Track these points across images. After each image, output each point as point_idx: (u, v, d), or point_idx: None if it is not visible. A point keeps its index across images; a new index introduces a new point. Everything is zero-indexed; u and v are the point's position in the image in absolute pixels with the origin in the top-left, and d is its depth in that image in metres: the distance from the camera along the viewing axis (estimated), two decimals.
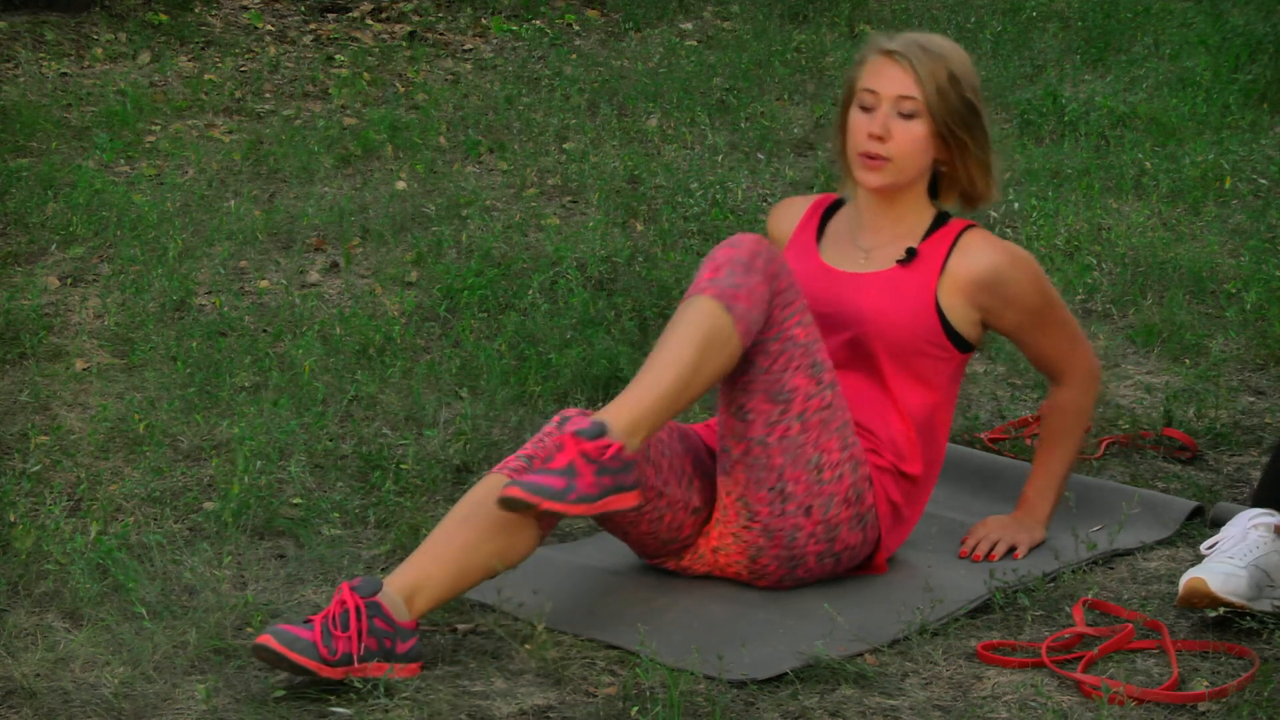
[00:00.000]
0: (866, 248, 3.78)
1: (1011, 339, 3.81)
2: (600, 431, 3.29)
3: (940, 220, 3.77)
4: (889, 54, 3.69)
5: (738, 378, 3.50)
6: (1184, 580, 3.50)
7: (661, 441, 3.57)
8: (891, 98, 3.68)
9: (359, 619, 3.25)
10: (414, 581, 3.33)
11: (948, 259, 3.72)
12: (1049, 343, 3.81)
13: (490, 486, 3.41)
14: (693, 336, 3.38)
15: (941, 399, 3.74)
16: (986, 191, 3.78)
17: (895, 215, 3.77)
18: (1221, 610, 3.54)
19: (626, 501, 3.31)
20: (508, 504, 3.23)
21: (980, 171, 3.75)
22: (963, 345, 3.74)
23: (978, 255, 3.72)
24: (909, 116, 3.68)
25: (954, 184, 3.78)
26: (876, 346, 3.69)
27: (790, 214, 3.93)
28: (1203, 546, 3.60)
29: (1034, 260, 3.77)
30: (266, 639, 3.20)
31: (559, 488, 3.23)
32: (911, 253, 3.73)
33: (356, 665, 3.24)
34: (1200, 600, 3.49)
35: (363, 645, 3.24)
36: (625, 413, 3.34)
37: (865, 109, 3.70)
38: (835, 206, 3.89)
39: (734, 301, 3.40)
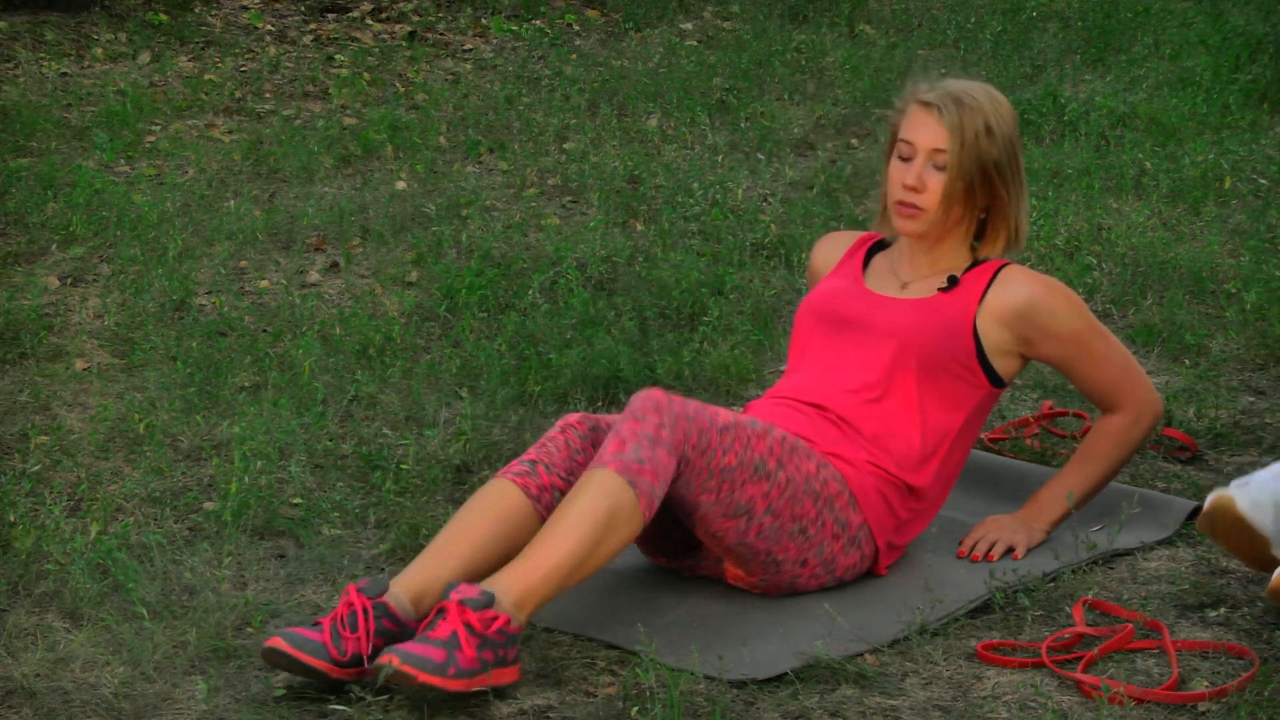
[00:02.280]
0: (905, 280, 3.85)
1: (1059, 369, 3.87)
2: (488, 603, 3.23)
3: (978, 261, 3.85)
4: (926, 105, 3.77)
5: (691, 515, 3.51)
6: (1212, 496, 3.51)
7: None
8: (927, 150, 3.75)
9: (367, 619, 3.25)
10: (421, 582, 3.33)
11: (987, 290, 3.79)
12: (1096, 373, 3.86)
13: (496, 490, 3.42)
14: (593, 511, 3.31)
15: (963, 426, 3.77)
16: (1019, 237, 3.85)
17: (935, 257, 3.85)
18: (1222, 610, 3.54)
19: (505, 677, 3.25)
20: (384, 673, 3.16)
21: (1013, 218, 3.83)
22: (993, 377, 3.79)
23: (1016, 286, 3.79)
24: (943, 169, 3.75)
25: (996, 230, 3.84)
26: (910, 358, 3.74)
27: (834, 247, 4.02)
28: (1233, 482, 3.60)
29: (1073, 294, 3.84)
30: (277, 642, 3.20)
31: (439, 660, 3.17)
32: (953, 280, 3.81)
33: (366, 666, 3.24)
34: (1224, 518, 3.49)
35: (371, 645, 3.24)
36: (516, 585, 3.27)
37: (903, 159, 3.78)
38: (879, 245, 3.98)
39: (638, 477, 3.35)
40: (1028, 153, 6.72)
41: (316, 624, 3.26)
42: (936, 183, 3.75)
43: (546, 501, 3.43)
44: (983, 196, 3.79)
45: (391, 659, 3.14)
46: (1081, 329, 3.82)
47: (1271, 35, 8.33)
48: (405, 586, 3.33)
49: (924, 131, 3.76)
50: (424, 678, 3.15)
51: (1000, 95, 3.80)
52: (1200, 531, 3.62)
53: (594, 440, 3.52)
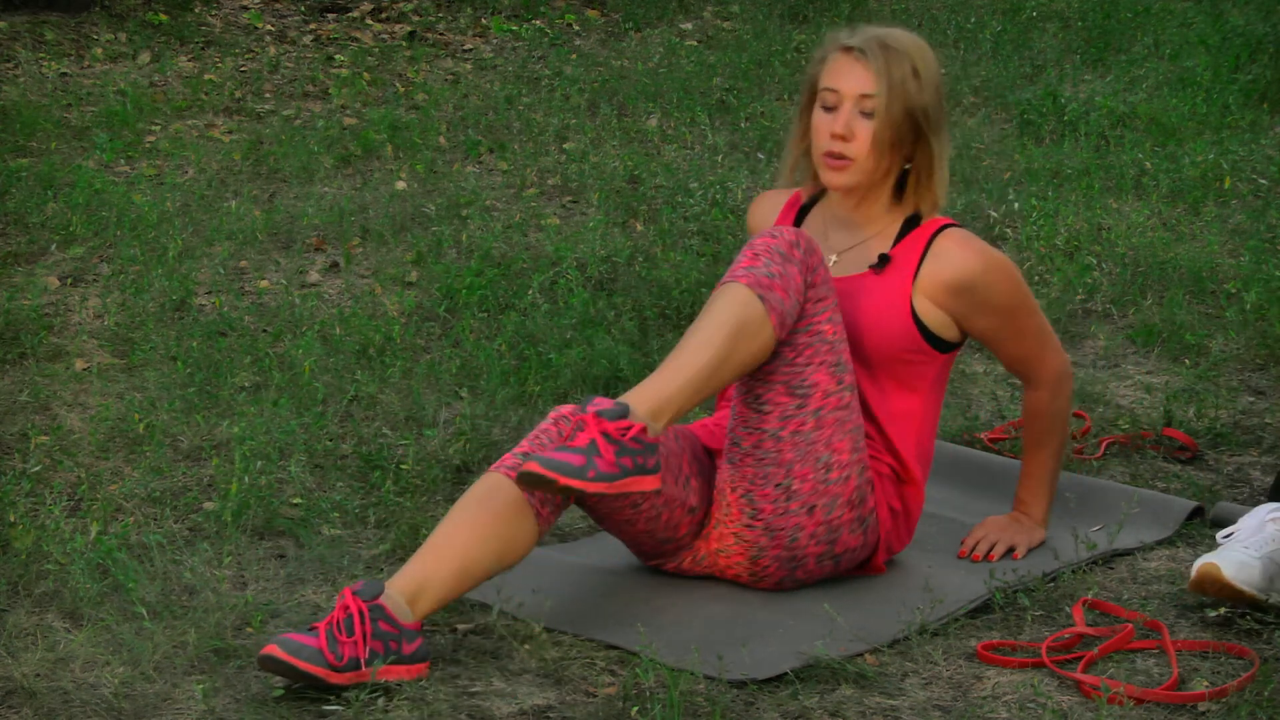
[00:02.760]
0: (838, 249, 3.75)
1: (981, 341, 3.76)
2: (623, 412, 3.28)
3: (913, 222, 3.72)
4: (850, 51, 3.64)
5: (760, 367, 3.48)
6: (1197, 565, 3.50)
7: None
8: (853, 96, 3.63)
9: (363, 622, 3.24)
10: (417, 583, 3.32)
11: (921, 264, 3.68)
12: (1018, 346, 3.77)
13: (489, 485, 3.40)
14: (724, 323, 3.37)
15: (925, 400, 3.71)
16: (939, 195, 3.70)
17: (864, 216, 3.73)
18: (1222, 610, 3.54)
19: (646, 484, 3.29)
20: (526, 479, 3.22)
21: (937, 170, 3.69)
22: (943, 345, 3.71)
23: (950, 260, 3.67)
24: (871, 115, 3.63)
25: (920, 184, 3.70)
26: (855, 356, 3.66)
27: (770, 207, 3.89)
28: (1219, 535, 3.60)
29: (1009, 264, 3.72)
30: (272, 649, 3.19)
31: (578, 465, 3.22)
32: (884, 259, 3.69)
33: (364, 669, 3.23)
34: (1211, 586, 3.49)
35: (368, 648, 3.24)
36: (650, 395, 3.33)
37: (827, 109, 3.66)
38: (811, 203, 3.85)
39: (769, 291, 3.39)
40: (1028, 152, 6.72)
41: (312, 629, 3.25)
42: (865, 130, 3.62)
43: (540, 495, 3.39)
44: (908, 146, 3.66)
45: (533, 465, 3.19)
46: (1014, 306, 3.72)
47: (1271, 35, 8.33)
48: (400, 588, 3.31)
49: (850, 78, 3.62)
50: (565, 480, 3.20)
51: (924, 42, 3.66)
52: (1191, 593, 3.60)
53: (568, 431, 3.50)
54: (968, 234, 3.72)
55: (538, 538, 3.41)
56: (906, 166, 3.69)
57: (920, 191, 3.70)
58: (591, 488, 3.22)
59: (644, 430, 3.28)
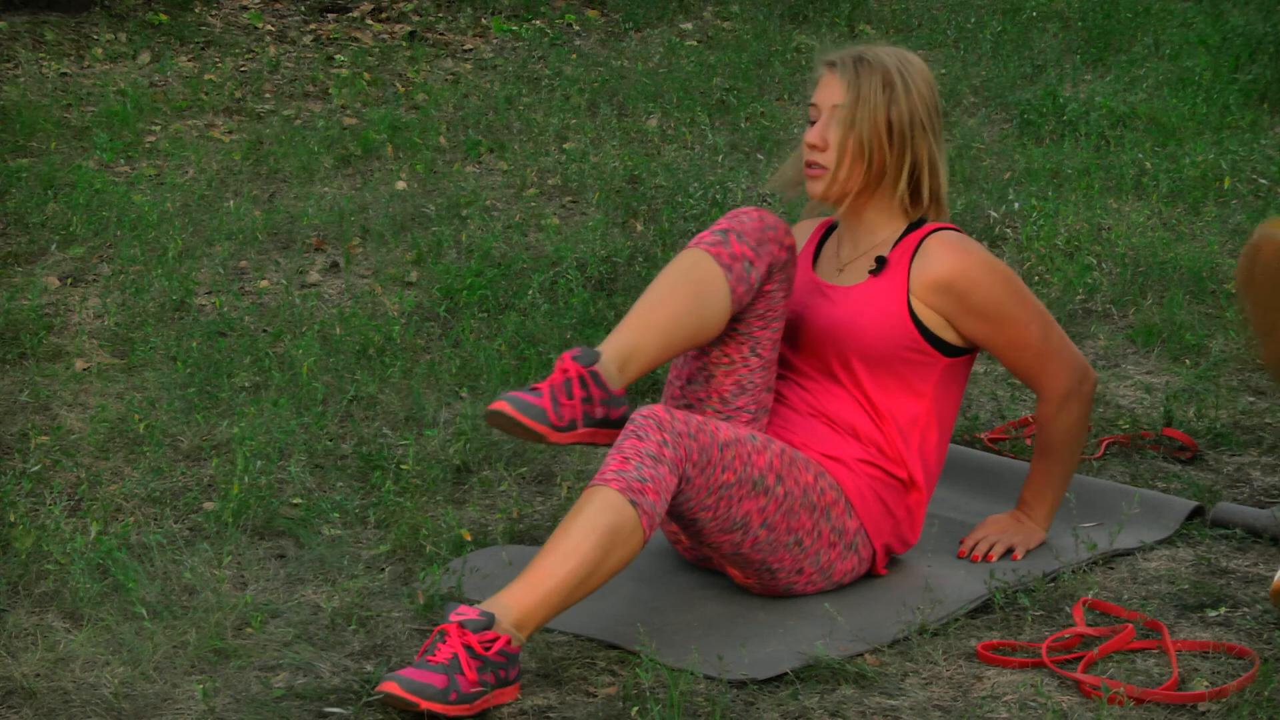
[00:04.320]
0: (844, 261, 3.79)
1: (985, 350, 3.76)
2: (488, 624, 3.22)
3: (912, 226, 3.75)
4: (829, 65, 3.74)
5: (689, 528, 3.51)
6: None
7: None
8: (828, 108, 3.70)
9: (584, 387, 3.39)
10: (626, 350, 3.45)
11: (911, 264, 3.70)
12: (1016, 357, 3.75)
13: (689, 259, 3.52)
14: (594, 529, 3.29)
15: (931, 405, 3.71)
16: (939, 202, 3.74)
17: (867, 226, 3.76)
18: (1222, 610, 3.54)
19: (506, 697, 3.24)
20: (387, 699, 3.16)
21: (929, 178, 3.72)
22: (946, 349, 3.71)
23: (935, 260, 3.68)
24: (845, 125, 3.69)
25: (914, 191, 3.74)
26: (851, 357, 3.68)
27: (801, 233, 3.96)
28: None
29: (999, 268, 3.71)
30: (502, 405, 3.34)
31: (440, 687, 3.16)
32: (881, 262, 3.71)
33: (582, 429, 3.39)
34: None
35: (583, 411, 3.38)
36: (515, 604, 3.26)
37: (810, 122, 3.74)
38: (835, 227, 3.91)
39: (640, 495, 3.33)
40: (1028, 153, 6.72)
41: (535, 389, 3.37)
42: (836, 138, 3.69)
43: (737, 272, 3.51)
44: (895, 155, 3.70)
45: (392, 686, 3.14)
46: (1006, 310, 3.70)
47: (1271, 35, 8.33)
48: (611, 354, 3.45)
49: (825, 90, 3.71)
50: (426, 704, 3.15)
51: (913, 56, 3.71)
52: (1275, 604, 3.54)
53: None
54: (959, 236, 3.72)
55: (732, 312, 3.53)
56: (913, 178, 3.73)
57: (918, 198, 3.74)
58: (453, 710, 3.17)
59: (508, 642, 3.23)
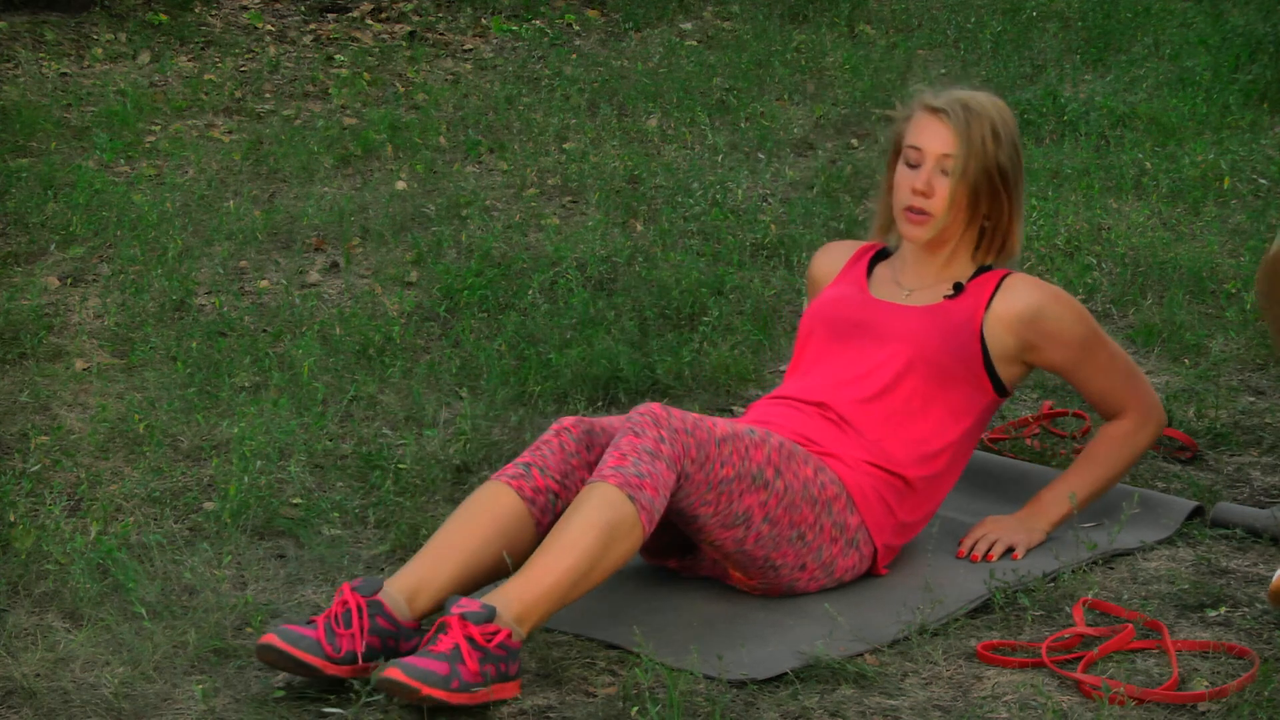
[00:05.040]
0: (910, 288, 3.87)
1: (1063, 376, 3.88)
2: (489, 616, 3.23)
3: (982, 270, 3.87)
4: (934, 111, 3.78)
5: (690, 525, 3.51)
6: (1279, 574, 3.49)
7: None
8: (935, 155, 3.77)
9: (361, 617, 3.25)
10: (416, 582, 3.34)
11: (993, 297, 3.81)
12: (1100, 379, 3.87)
13: (490, 493, 3.43)
14: (593, 525, 3.30)
15: (965, 433, 3.78)
16: (1015, 246, 3.87)
17: (939, 265, 3.86)
18: (1223, 610, 3.54)
19: (507, 692, 3.24)
20: (387, 685, 3.17)
21: (1014, 226, 3.85)
22: (998, 385, 3.80)
23: (1022, 293, 3.81)
24: (950, 174, 3.76)
25: (995, 239, 3.85)
26: (921, 364, 3.75)
27: (835, 256, 4.02)
28: None
29: (1076, 302, 3.85)
30: (270, 638, 3.21)
31: (442, 674, 3.17)
32: (959, 287, 3.83)
33: (361, 664, 3.24)
34: None
35: (365, 643, 3.24)
36: (516, 599, 3.27)
37: (910, 165, 3.79)
38: (880, 255, 3.98)
39: (639, 491, 3.34)
40: (1027, 153, 6.72)
41: (311, 622, 3.26)
42: (944, 188, 3.77)
43: (541, 504, 3.43)
44: (986, 204, 3.81)
45: (395, 672, 3.15)
46: (1086, 335, 3.84)
47: (1271, 35, 8.32)
48: (400, 586, 3.33)
49: (932, 137, 3.77)
50: (427, 690, 3.15)
51: (1004, 103, 3.83)
52: (1273, 604, 3.56)
53: (589, 444, 3.52)
54: (1036, 278, 3.87)
55: (536, 545, 3.43)
56: (985, 224, 3.84)
57: (995, 245, 3.85)
58: (455, 699, 3.18)
59: (509, 636, 3.24)
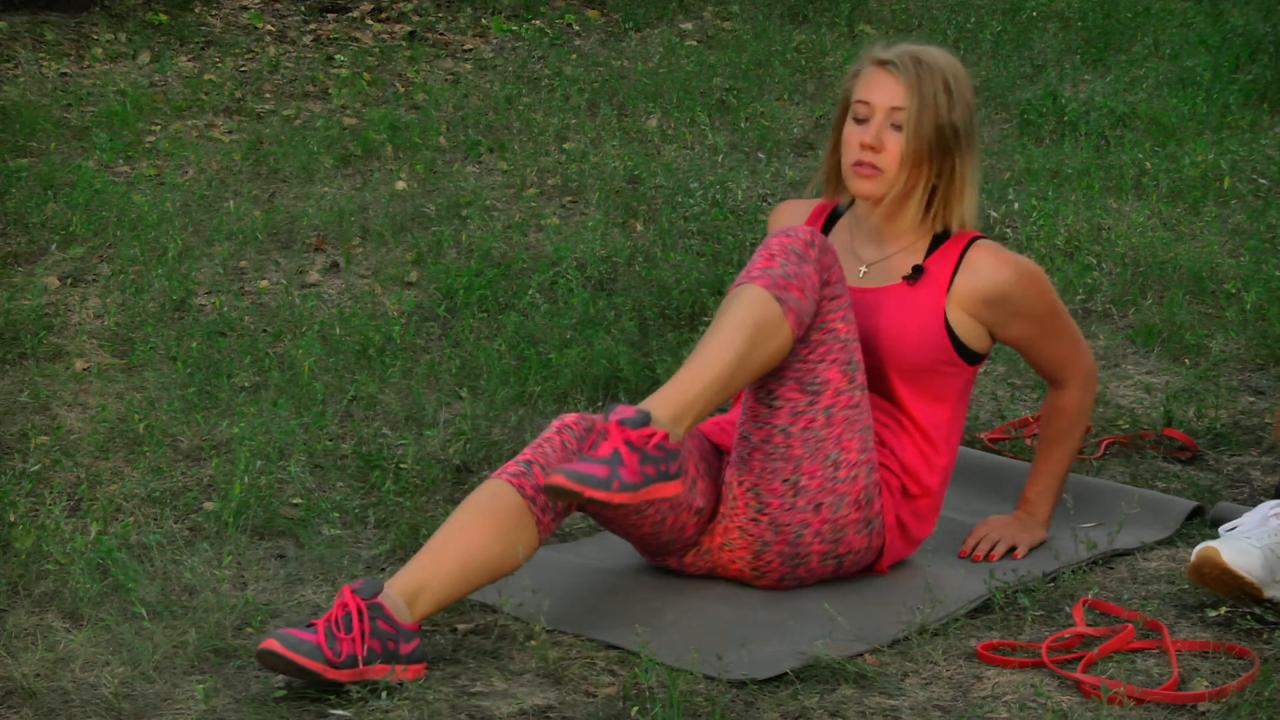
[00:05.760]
0: (866, 260, 3.77)
1: (1015, 348, 3.81)
2: (645, 420, 3.29)
3: (943, 235, 3.75)
4: (883, 64, 3.68)
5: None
6: (1197, 550, 3.51)
7: None
8: (885, 109, 3.66)
9: (361, 620, 3.25)
10: (416, 584, 3.33)
11: (954, 276, 3.71)
12: (1053, 351, 3.81)
13: (491, 491, 3.42)
14: (742, 324, 3.38)
15: (952, 412, 3.75)
16: (969, 216, 3.74)
17: (894, 230, 3.76)
18: (1223, 610, 3.54)
19: (669, 490, 3.31)
20: (552, 491, 3.25)
21: (967, 188, 3.72)
22: (971, 358, 3.75)
23: (985, 272, 3.70)
24: (901, 128, 3.66)
25: (949, 201, 3.73)
26: (888, 368, 3.70)
27: (793, 215, 3.91)
28: (1221, 529, 3.61)
29: (1041, 273, 3.76)
30: (270, 643, 3.20)
31: (603, 476, 3.24)
32: (918, 270, 3.72)
33: (361, 667, 3.24)
34: (1211, 570, 3.49)
35: (366, 646, 3.24)
36: (671, 401, 3.35)
37: (859, 120, 3.69)
38: (835, 215, 3.88)
39: (785, 291, 3.40)
40: (1028, 152, 6.72)
41: (311, 625, 3.26)
42: (895, 142, 3.65)
43: (542, 503, 3.42)
44: (938, 161, 3.68)
45: (558, 478, 3.20)
46: (1047, 312, 3.77)
47: (1271, 35, 8.33)
48: (400, 588, 3.33)
49: (882, 90, 3.66)
50: (590, 492, 3.22)
51: (958, 61, 3.71)
52: (1189, 581, 3.61)
53: (589, 441, 3.52)
54: (998, 245, 3.76)
55: (538, 544, 3.43)
56: (934, 185, 3.72)
57: (949, 208, 3.73)
58: (617, 498, 3.25)
59: (666, 437, 3.30)
